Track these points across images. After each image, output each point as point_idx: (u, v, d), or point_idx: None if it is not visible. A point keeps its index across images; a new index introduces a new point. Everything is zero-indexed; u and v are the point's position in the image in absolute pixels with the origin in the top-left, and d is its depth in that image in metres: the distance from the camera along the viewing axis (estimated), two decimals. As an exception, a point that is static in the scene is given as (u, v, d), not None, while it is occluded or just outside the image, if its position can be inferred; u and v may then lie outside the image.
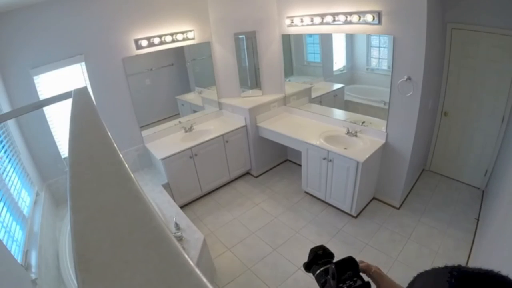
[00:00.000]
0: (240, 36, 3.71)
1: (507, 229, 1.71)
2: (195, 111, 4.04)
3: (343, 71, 3.62)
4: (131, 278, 0.32)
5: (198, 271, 0.32)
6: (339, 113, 3.56)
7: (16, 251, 1.75)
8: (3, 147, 2.25)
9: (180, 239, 2.32)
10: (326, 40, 3.46)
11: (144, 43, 3.18)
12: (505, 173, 2.44)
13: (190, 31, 3.49)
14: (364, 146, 2.95)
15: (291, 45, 3.79)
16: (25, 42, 2.54)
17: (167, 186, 3.23)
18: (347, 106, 3.57)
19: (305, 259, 0.87)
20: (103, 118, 0.76)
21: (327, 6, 2.94)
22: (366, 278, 0.81)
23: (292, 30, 3.47)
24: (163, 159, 3.12)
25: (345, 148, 3.02)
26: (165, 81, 3.83)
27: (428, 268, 0.59)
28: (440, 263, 0.48)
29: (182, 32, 3.41)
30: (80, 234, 0.39)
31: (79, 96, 1.00)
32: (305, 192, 3.57)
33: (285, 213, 3.33)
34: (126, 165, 0.54)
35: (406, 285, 0.61)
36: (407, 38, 2.49)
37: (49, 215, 2.58)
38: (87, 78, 2.96)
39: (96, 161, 0.60)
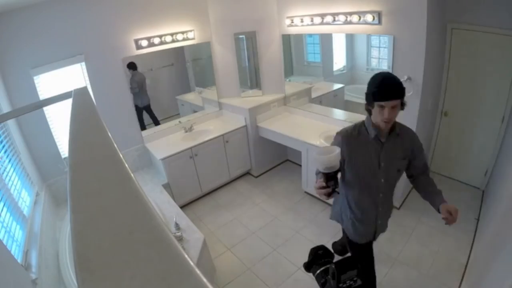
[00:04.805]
0: (240, 36, 3.71)
1: (507, 229, 1.71)
2: (195, 111, 4.04)
3: (343, 71, 3.62)
4: (131, 278, 0.32)
5: (198, 271, 0.32)
6: (339, 113, 3.56)
7: (16, 251, 1.75)
8: (3, 147, 2.25)
9: (180, 239, 2.32)
10: (326, 40, 3.46)
11: (144, 43, 3.18)
12: (505, 173, 2.44)
13: (190, 31, 3.49)
14: (364, 146, 2.95)
15: (291, 45, 3.79)
16: (25, 42, 2.54)
17: (167, 186, 3.23)
18: (347, 106, 3.57)
19: (305, 259, 0.87)
20: (103, 118, 0.76)
21: (327, 6, 2.94)
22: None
23: (292, 30, 3.47)
24: (163, 159, 3.13)
25: (345, 148, 3.01)
26: (165, 81, 3.83)
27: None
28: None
29: (182, 32, 3.41)
30: (80, 234, 0.39)
31: (79, 96, 1.00)
32: (305, 192, 3.57)
33: (285, 213, 3.33)
34: (126, 165, 0.54)
35: None
36: (407, 38, 2.49)
37: (49, 215, 2.58)
38: (87, 78, 2.96)
39: (96, 161, 0.60)
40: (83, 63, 2.91)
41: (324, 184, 1.27)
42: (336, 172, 1.25)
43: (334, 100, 3.78)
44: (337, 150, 1.23)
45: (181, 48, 3.60)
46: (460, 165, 3.48)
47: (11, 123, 2.52)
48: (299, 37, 3.64)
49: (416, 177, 1.68)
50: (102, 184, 0.52)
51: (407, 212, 3.13)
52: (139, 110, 3.47)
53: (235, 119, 3.86)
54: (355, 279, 0.76)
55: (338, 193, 1.31)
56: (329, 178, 1.25)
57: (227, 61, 3.83)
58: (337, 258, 0.82)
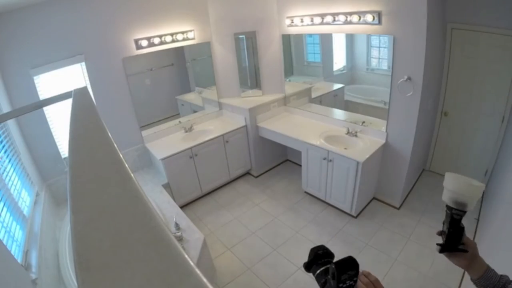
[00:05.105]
0: (240, 36, 3.71)
1: (507, 229, 1.71)
2: (195, 111, 4.04)
3: (343, 71, 3.62)
4: (131, 278, 0.32)
5: (198, 271, 0.32)
6: (339, 113, 3.56)
7: (16, 251, 1.75)
8: (3, 147, 2.25)
9: (180, 239, 2.32)
10: (326, 40, 3.46)
11: (144, 43, 3.18)
12: (505, 173, 2.44)
13: (190, 31, 3.49)
14: (364, 146, 2.95)
15: (291, 45, 3.79)
16: (25, 42, 2.54)
17: (167, 186, 3.23)
18: (347, 106, 3.57)
19: (305, 259, 0.87)
20: (103, 118, 0.76)
21: (327, 6, 2.94)
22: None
23: (292, 30, 3.47)
24: (163, 159, 3.12)
25: (345, 148, 3.02)
26: (165, 81, 3.83)
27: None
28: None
29: (182, 32, 3.41)
30: (80, 234, 0.39)
31: (79, 96, 1.00)
32: (305, 192, 3.57)
33: (285, 213, 3.33)
34: (126, 165, 0.54)
35: None
36: (407, 38, 2.50)
37: (49, 215, 2.58)
38: (87, 78, 2.96)
39: (96, 161, 0.60)
40: (83, 63, 2.90)
41: (442, 229, 0.86)
42: (460, 217, 0.81)
43: (334, 100, 3.78)
44: (481, 185, 0.79)
45: (181, 48, 3.60)
46: (460, 165, 3.48)
47: (11, 123, 2.51)
48: (299, 37, 3.64)
49: None
50: (102, 184, 0.52)
51: (407, 212, 3.13)
52: None
53: (235, 119, 3.86)
54: (355, 279, 0.76)
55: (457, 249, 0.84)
56: (452, 223, 0.81)
57: (227, 61, 3.83)
58: (337, 258, 0.82)
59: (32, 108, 1.23)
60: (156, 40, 3.25)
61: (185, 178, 3.38)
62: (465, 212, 0.80)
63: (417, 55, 2.47)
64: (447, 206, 0.83)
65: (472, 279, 0.89)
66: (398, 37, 2.54)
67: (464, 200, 0.79)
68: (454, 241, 0.84)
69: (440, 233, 0.88)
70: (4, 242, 1.63)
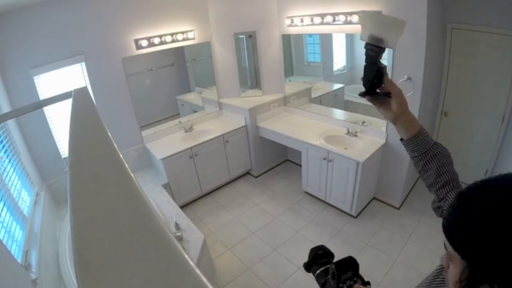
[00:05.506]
0: (240, 36, 3.71)
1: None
2: (195, 111, 4.04)
3: (343, 71, 3.62)
4: (131, 278, 0.32)
5: (198, 271, 0.32)
6: (339, 113, 3.56)
7: (16, 251, 1.75)
8: (3, 147, 2.25)
9: (180, 239, 2.32)
10: (326, 40, 3.46)
11: (144, 43, 3.18)
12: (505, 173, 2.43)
13: (190, 31, 3.49)
14: (364, 146, 2.95)
15: (291, 45, 3.79)
16: (25, 42, 2.54)
17: (167, 186, 3.23)
18: (347, 106, 3.57)
19: (305, 259, 0.87)
20: (103, 118, 0.76)
21: (327, 6, 2.94)
22: (366, 278, 0.81)
23: (292, 30, 3.47)
24: (163, 159, 3.13)
25: (345, 148, 3.02)
26: (165, 81, 3.83)
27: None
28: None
29: (182, 32, 3.41)
30: (80, 234, 0.39)
31: (79, 96, 1.00)
32: (305, 192, 3.57)
33: (285, 213, 3.33)
34: (126, 165, 0.54)
35: None
36: (407, 38, 2.49)
37: (49, 215, 2.58)
38: (87, 78, 2.96)
39: (96, 161, 0.60)
40: (83, 63, 2.91)
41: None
42: (375, 54, 0.74)
43: (334, 100, 3.78)
44: (400, 20, 0.72)
45: (181, 48, 3.60)
46: (460, 165, 3.45)
47: (11, 123, 2.52)
48: (299, 37, 3.64)
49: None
50: (102, 184, 0.52)
51: (407, 213, 3.13)
52: None
53: (235, 119, 3.86)
54: (355, 279, 0.76)
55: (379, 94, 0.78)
56: (367, 59, 0.76)
57: (227, 61, 3.83)
58: (337, 258, 0.82)
59: (32, 108, 1.23)
60: (156, 40, 3.25)
61: (185, 178, 3.38)
62: (381, 48, 0.74)
63: (417, 55, 2.47)
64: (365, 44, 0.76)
65: (401, 141, 0.85)
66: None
67: (378, 35, 0.73)
68: (372, 81, 0.77)
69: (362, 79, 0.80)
70: (4, 242, 1.63)
